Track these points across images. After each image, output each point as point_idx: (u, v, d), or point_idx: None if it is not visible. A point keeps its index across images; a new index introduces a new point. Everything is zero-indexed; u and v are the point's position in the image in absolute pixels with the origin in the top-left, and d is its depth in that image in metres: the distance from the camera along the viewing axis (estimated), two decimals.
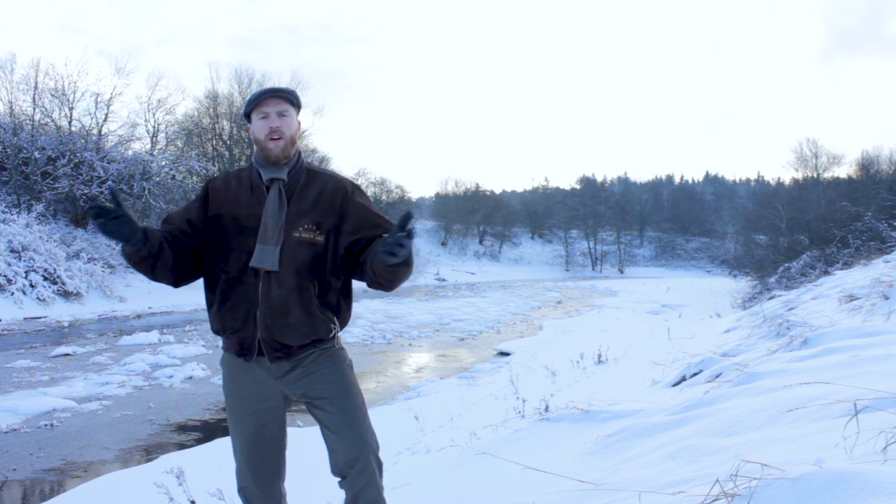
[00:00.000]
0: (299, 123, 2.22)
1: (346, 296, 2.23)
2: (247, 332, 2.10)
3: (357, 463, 2.11)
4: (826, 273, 14.66)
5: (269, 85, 35.62)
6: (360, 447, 2.12)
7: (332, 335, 2.17)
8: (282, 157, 2.12)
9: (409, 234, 1.86)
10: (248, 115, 2.18)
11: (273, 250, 2.06)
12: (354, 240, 2.15)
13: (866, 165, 41.31)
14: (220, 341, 2.24)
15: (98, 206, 1.90)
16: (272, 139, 2.11)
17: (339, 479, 2.17)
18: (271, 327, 2.08)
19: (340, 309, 2.21)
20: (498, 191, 73.05)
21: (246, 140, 34.71)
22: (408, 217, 1.85)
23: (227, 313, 2.12)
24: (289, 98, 2.16)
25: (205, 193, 2.21)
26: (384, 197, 49.94)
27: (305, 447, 3.59)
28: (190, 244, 2.15)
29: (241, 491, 2.21)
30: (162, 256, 2.06)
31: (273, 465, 2.20)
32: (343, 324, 2.23)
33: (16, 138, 23.60)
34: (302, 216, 2.11)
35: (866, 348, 3.37)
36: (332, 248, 2.14)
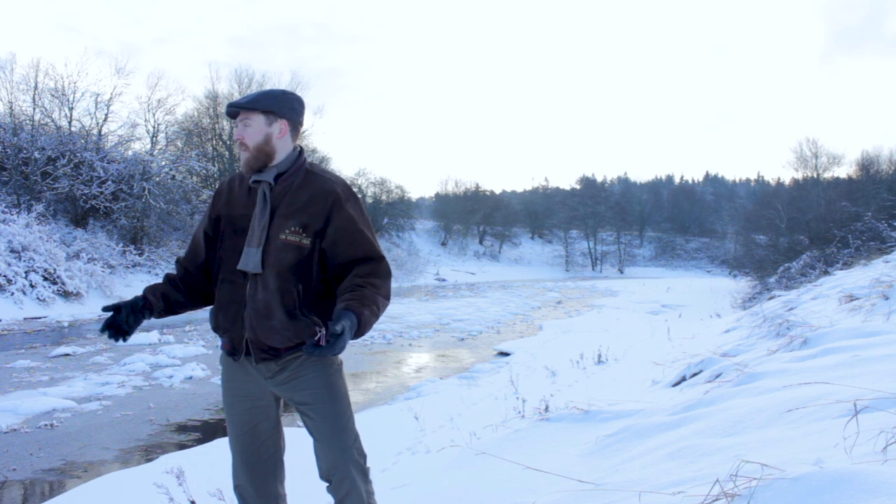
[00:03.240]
0: (284, 127, 2.13)
1: (333, 296, 2.16)
2: (235, 332, 2.13)
3: (337, 471, 2.11)
4: (826, 273, 14.66)
5: (269, 85, 35.67)
6: (339, 455, 2.11)
7: (316, 339, 2.09)
8: (246, 168, 2.13)
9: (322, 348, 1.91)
10: None
11: (256, 252, 2.08)
12: (329, 252, 2.10)
13: (866, 165, 41.32)
14: (220, 341, 2.25)
15: (107, 325, 2.11)
16: (240, 150, 2.15)
17: (326, 485, 2.17)
18: (256, 329, 2.09)
19: (326, 312, 2.14)
20: (498, 191, 73.01)
21: None
22: (338, 334, 1.88)
23: (219, 313, 2.18)
24: (248, 107, 2.10)
25: (214, 200, 2.27)
26: (384, 197, 49.88)
27: (305, 447, 3.59)
28: (210, 261, 2.24)
29: (237, 489, 2.22)
30: (176, 306, 2.22)
31: (268, 464, 2.21)
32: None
33: (16, 138, 23.58)
34: (289, 218, 2.10)
35: (866, 348, 3.37)
36: (320, 252, 2.11)
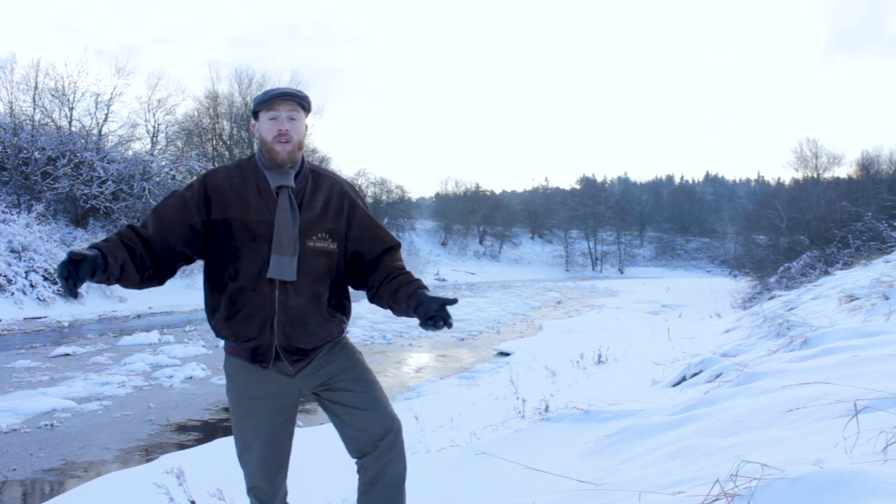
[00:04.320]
0: (307, 128, 2.20)
1: (347, 293, 2.28)
2: (263, 339, 2.09)
3: (388, 436, 2.11)
4: (826, 273, 14.66)
5: (269, 85, 35.70)
6: (391, 421, 2.13)
7: (344, 333, 2.25)
8: (288, 161, 2.07)
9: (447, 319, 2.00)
10: (255, 114, 2.13)
11: (291, 260, 2.05)
12: (358, 251, 2.19)
13: (866, 165, 41.31)
14: (220, 342, 2.24)
15: (67, 273, 1.81)
16: (280, 142, 2.06)
17: (358, 458, 2.14)
18: (290, 335, 2.08)
19: (346, 308, 2.25)
20: (498, 191, 73.01)
21: (246, 140, 34.69)
22: (452, 302, 1.99)
23: (240, 323, 2.09)
24: (300, 102, 2.11)
25: (205, 195, 2.09)
26: (384, 197, 49.89)
27: (304, 447, 3.59)
28: (180, 252, 2.07)
29: (252, 490, 2.20)
30: (123, 280, 1.97)
31: (284, 463, 2.22)
32: (349, 320, 2.29)
33: (16, 138, 23.58)
34: (314, 224, 2.11)
35: (866, 348, 3.37)
36: (343, 254, 2.18)
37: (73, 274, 1.81)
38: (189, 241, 2.08)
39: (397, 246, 2.25)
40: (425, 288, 2.10)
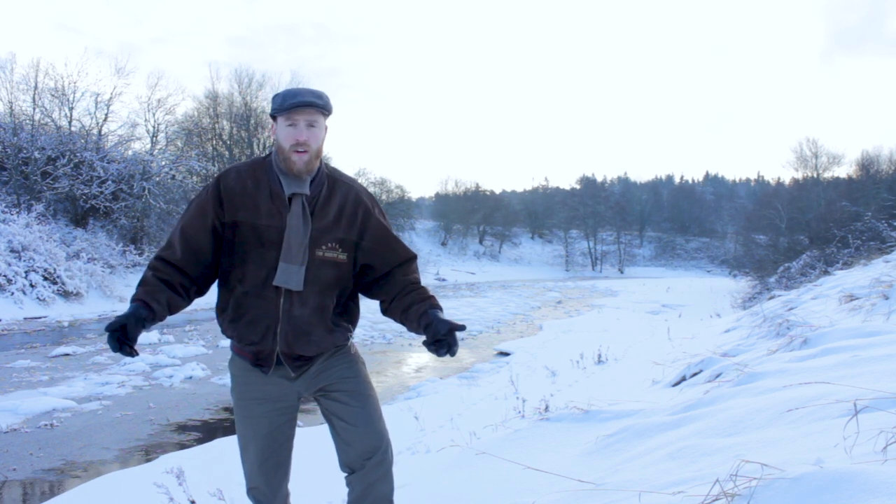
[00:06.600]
0: (326, 129, 2.08)
1: (355, 299, 2.23)
2: (265, 345, 2.06)
3: (375, 455, 2.09)
4: (826, 273, 14.66)
5: (269, 86, 35.65)
6: (380, 439, 2.11)
7: (348, 342, 2.21)
8: (304, 171, 2.00)
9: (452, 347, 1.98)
10: (274, 116, 2.06)
11: (298, 270, 2.00)
12: (370, 263, 2.14)
13: (866, 165, 41.29)
14: (221, 341, 2.23)
15: (120, 344, 1.87)
16: (297, 151, 1.98)
17: (347, 474, 2.14)
18: (293, 344, 2.06)
19: (353, 315, 2.22)
20: (498, 191, 72.88)
21: (246, 140, 34.67)
22: (461, 328, 1.96)
23: (244, 327, 2.07)
24: (321, 108, 2.01)
25: (218, 197, 2.05)
26: (384, 197, 49.85)
27: (304, 447, 3.58)
28: (213, 263, 2.08)
29: (252, 491, 2.19)
30: (174, 311, 2.04)
31: (284, 465, 2.21)
32: (355, 327, 2.25)
33: (16, 138, 23.57)
34: (325, 233, 2.05)
35: (866, 348, 3.37)
36: (353, 265, 2.13)
37: (125, 341, 1.87)
38: (218, 246, 2.08)
39: (412, 258, 2.18)
40: (438, 308, 2.04)
